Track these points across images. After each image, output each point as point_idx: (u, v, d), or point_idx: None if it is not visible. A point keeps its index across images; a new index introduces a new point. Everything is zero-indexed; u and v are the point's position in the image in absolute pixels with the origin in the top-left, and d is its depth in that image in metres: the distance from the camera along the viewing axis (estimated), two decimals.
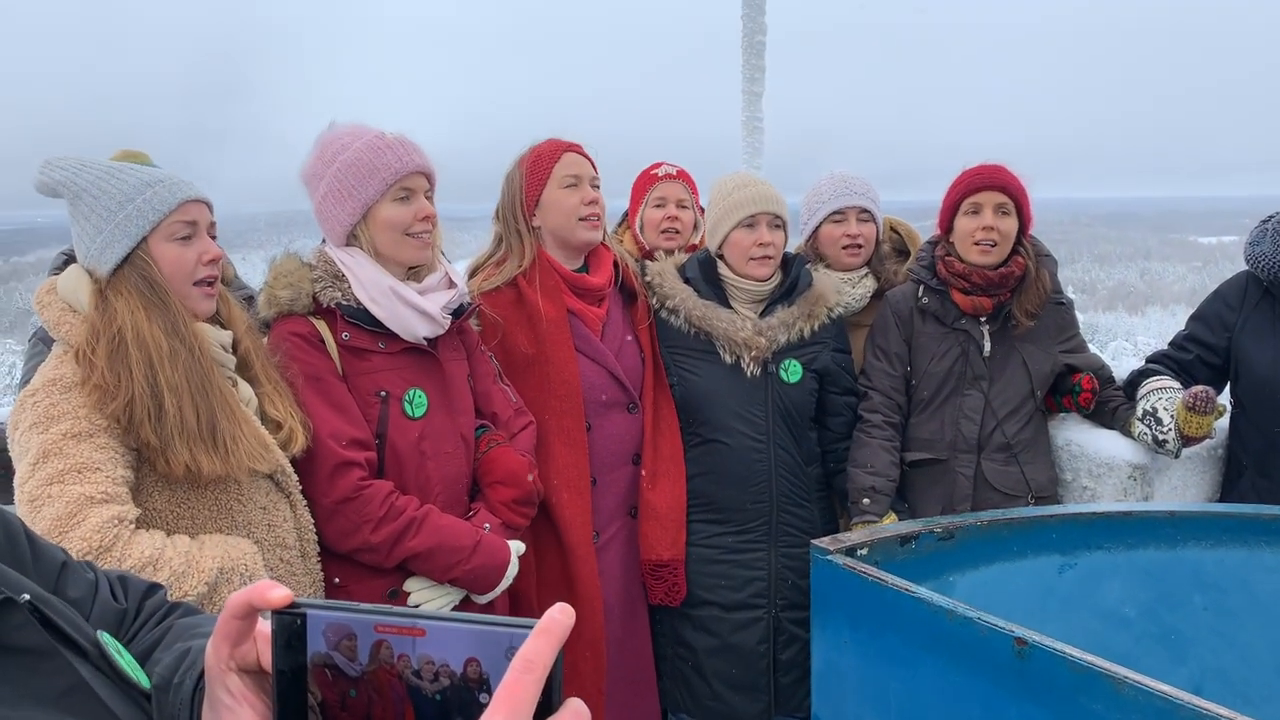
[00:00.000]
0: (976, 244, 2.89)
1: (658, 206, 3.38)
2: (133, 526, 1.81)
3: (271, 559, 2.05)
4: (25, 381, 2.88)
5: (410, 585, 2.35)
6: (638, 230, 3.47)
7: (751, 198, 2.87)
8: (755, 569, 2.91)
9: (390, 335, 2.33)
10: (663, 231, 3.34)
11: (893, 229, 3.43)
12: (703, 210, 3.33)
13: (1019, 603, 2.13)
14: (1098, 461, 2.97)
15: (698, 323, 2.89)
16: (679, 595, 2.88)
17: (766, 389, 2.90)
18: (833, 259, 3.20)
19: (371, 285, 2.29)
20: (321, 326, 2.31)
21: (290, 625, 0.66)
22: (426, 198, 2.36)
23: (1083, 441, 3.03)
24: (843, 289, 3.10)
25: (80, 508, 1.75)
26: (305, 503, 2.17)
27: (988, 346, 2.95)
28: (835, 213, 3.18)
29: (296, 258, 2.38)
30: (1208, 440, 2.89)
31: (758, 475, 2.89)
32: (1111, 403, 3.01)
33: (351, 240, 2.33)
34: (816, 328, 2.93)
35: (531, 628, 0.60)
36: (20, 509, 1.79)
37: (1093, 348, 3.18)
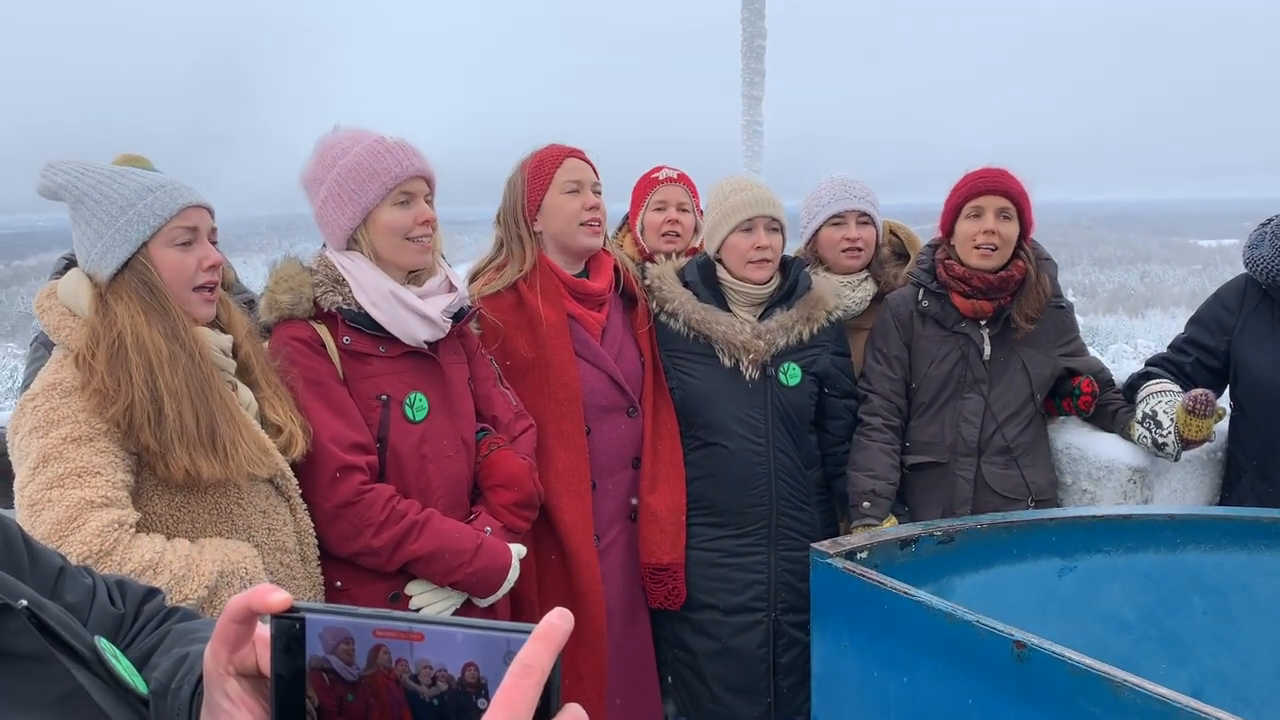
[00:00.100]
0: (977, 248, 2.89)
1: (658, 210, 3.39)
2: (133, 530, 1.81)
3: (271, 563, 2.05)
4: (26, 386, 2.88)
5: (412, 589, 2.35)
6: (638, 234, 3.47)
7: (748, 201, 2.88)
8: (755, 572, 2.91)
9: (391, 339, 2.34)
10: (663, 235, 3.35)
11: (892, 232, 3.43)
12: (703, 214, 3.33)
13: (1019, 606, 2.13)
14: (1097, 465, 2.97)
15: (697, 326, 2.90)
16: (679, 599, 2.88)
17: (766, 392, 2.90)
18: (832, 262, 3.21)
19: (372, 289, 2.29)
20: (322, 331, 2.31)
21: (289, 629, 0.66)
22: (426, 202, 2.36)
23: (1082, 445, 3.03)
24: (842, 292, 3.10)
25: (80, 512, 1.75)
26: (305, 507, 2.17)
27: (987, 350, 2.95)
28: (835, 216, 3.19)
29: (297, 262, 2.39)
30: (1207, 443, 2.89)
31: (757, 478, 2.89)
32: (1111, 406, 3.01)
33: (352, 244, 2.33)
34: (815, 331, 2.93)
35: (530, 632, 0.60)
36: (20, 513, 1.79)
37: (1093, 351, 3.18)
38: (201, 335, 2.00)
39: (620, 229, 3.65)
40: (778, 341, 2.89)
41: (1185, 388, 2.87)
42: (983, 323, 2.95)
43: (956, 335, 2.96)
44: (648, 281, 3.01)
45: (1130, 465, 2.92)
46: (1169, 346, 3.16)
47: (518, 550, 2.44)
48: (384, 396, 2.32)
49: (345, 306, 2.30)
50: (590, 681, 2.71)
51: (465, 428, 2.46)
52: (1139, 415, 2.88)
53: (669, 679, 2.99)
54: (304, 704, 0.66)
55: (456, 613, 2.37)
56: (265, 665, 0.71)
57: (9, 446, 1.90)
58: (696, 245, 3.34)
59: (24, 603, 0.80)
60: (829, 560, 2.02)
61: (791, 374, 2.92)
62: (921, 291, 3.01)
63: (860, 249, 3.19)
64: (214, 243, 2.07)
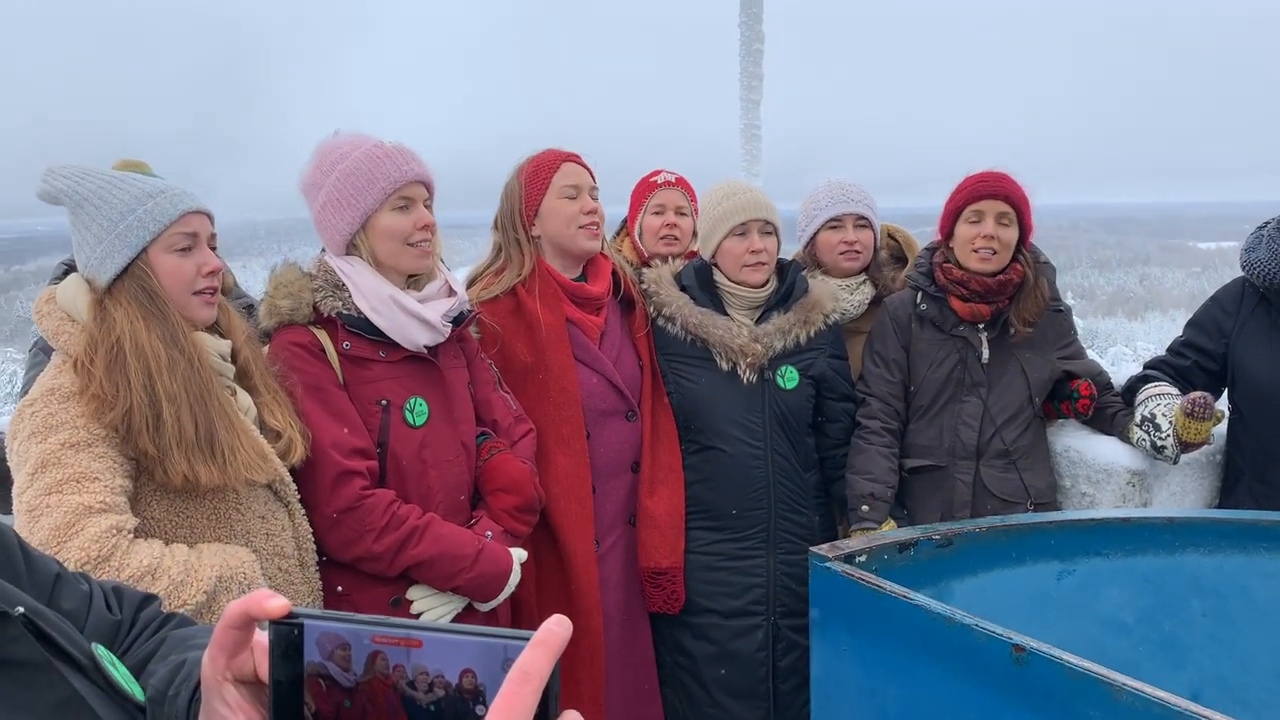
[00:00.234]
0: (976, 251, 2.89)
1: (656, 214, 3.39)
2: (131, 536, 1.81)
3: (270, 568, 2.05)
4: (25, 391, 2.88)
5: (413, 594, 2.35)
6: (636, 238, 3.48)
7: (741, 205, 2.88)
8: (754, 576, 2.90)
9: (391, 344, 2.34)
10: (662, 239, 3.35)
11: (890, 236, 3.44)
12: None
13: (1018, 609, 2.13)
14: (1096, 468, 2.97)
15: (694, 330, 2.90)
16: (678, 603, 2.88)
17: (763, 395, 2.90)
18: (830, 265, 3.21)
19: (372, 294, 2.29)
20: (322, 336, 2.31)
21: (287, 635, 0.66)
22: (426, 206, 2.37)
23: (1081, 448, 3.03)
24: (840, 296, 3.10)
25: (79, 517, 1.75)
26: (304, 512, 2.17)
27: (986, 353, 2.95)
28: (832, 219, 3.19)
29: (296, 267, 2.39)
30: (1206, 446, 2.89)
31: (755, 482, 2.89)
32: (1110, 409, 3.01)
33: (351, 249, 2.34)
34: (813, 334, 2.93)
35: (528, 639, 0.61)
36: (19, 519, 1.79)
37: (1092, 353, 3.18)
38: (200, 340, 2.00)
39: (618, 233, 3.66)
40: (775, 345, 2.89)
41: (1184, 390, 2.87)
42: (981, 326, 2.95)
43: (955, 339, 2.96)
44: (644, 286, 3.01)
45: (1129, 468, 2.92)
46: (1167, 349, 3.16)
47: (518, 555, 2.43)
48: (384, 401, 2.32)
49: (345, 311, 2.30)
50: (587, 687, 2.71)
51: (465, 432, 2.46)
52: (1138, 418, 2.88)
53: (668, 683, 2.98)
54: (302, 710, 0.66)
55: (458, 617, 2.37)
56: (263, 671, 0.71)
57: (7, 452, 1.90)
58: (695, 249, 3.34)
59: (21, 610, 0.80)
60: (828, 564, 2.01)
61: (789, 377, 2.92)
62: (919, 295, 3.01)
63: (858, 252, 3.19)
64: (213, 248, 2.07)
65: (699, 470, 2.92)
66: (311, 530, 2.19)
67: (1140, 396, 2.92)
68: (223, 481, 1.90)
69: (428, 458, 2.36)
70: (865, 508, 2.88)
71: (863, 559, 2.06)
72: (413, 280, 2.41)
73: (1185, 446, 2.81)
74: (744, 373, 2.88)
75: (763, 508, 2.90)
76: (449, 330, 2.41)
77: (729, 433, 2.89)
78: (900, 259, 3.39)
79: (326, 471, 2.20)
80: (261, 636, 0.71)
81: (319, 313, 2.32)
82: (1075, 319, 3.13)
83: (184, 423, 1.86)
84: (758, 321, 2.93)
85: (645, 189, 3.46)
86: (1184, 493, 3.07)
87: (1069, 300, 3.18)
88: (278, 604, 0.67)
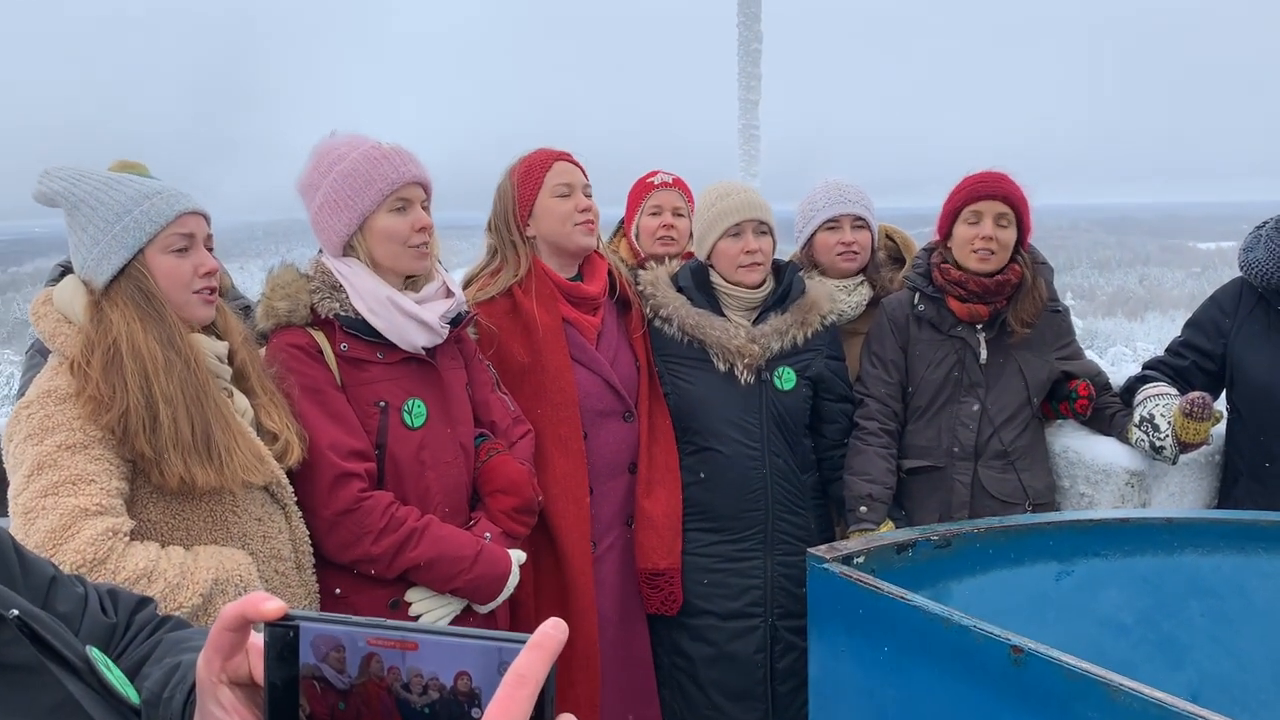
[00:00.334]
0: (974, 252, 2.89)
1: (653, 214, 3.39)
2: (127, 539, 1.81)
3: (266, 570, 2.04)
4: (22, 393, 2.88)
5: (412, 596, 2.35)
6: (633, 238, 3.47)
7: (735, 206, 2.88)
8: (751, 577, 2.90)
9: (389, 345, 2.33)
10: (658, 239, 3.35)
11: (888, 236, 3.44)
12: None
13: (1016, 610, 2.13)
14: (1095, 468, 2.97)
15: (691, 331, 2.89)
16: (675, 604, 2.88)
17: (761, 396, 2.90)
18: (828, 266, 3.21)
19: (369, 296, 2.29)
20: (320, 338, 2.31)
21: (283, 637, 0.66)
22: (423, 208, 2.36)
23: (1080, 448, 3.03)
24: (837, 296, 3.10)
25: (74, 520, 1.75)
26: (301, 514, 2.16)
27: (984, 354, 2.95)
28: (829, 220, 3.19)
29: (293, 269, 2.38)
30: (1205, 446, 2.89)
31: (753, 483, 2.89)
32: (1109, 409, 3.01)
33: (348, 250, 2.33)
34: (810, 335, 2.93)
35: (524, 642, 0.61)
36: (14, 521, 1.79)
37: (1092, 354, 3.18)
38: (197, 342, 2.00)
39: (615, 234, 3.66)
40: (772, 346, 2.89)
41: (1182, 391, 2.87)
42: (979, 327, 2.95)
43: (952, 339, 2.96)
44: (641, 287, 3.01)
45: (1128, 469, 2.92)
46: (1166, 350, 3.16)
47: (517, 556, 2.43)
48: (382, 403, 2.32)
49: (343, 313, 2.29)
50: (583, 689, 2.71)
51: (464, 433, 2.46)
52: (1136, 418, 2.88)
53: (666, 685, 2.98)
54: (298, 713, 0.66)
55: (457, 619, 2.37)
56: (259, 673, 0.71)
57: (3, 454, 1.90)
58: (692, 250, 3.34)
59: (15, 612, 0.79)
60: (826, 565, 2.01)
61: (786, 378, 2.92)
62: (917, 295, 3.01)
63: (855, 253, 3.19)
64: (210, 249, 2.07)
65: (696, 472, 2.92)
66: (309, 533, 2.19)
67: (1139, 397, 2.92)
68: (219, 483, 1.90)
69: (426, 459, 2.36)
70: (863, 509, 2.88)
71: (861, 560, 2.05)
72: (410, 281, 2.40)
73: (1184, 447, 2.82)
74: (741, 374, 2.87)
75: (760, 509, 2.89)
76: (447, 331, 2.41)
77: (726, 434, 2.89)
78: (898, 260, 3.39)
79: (325, 474, 2.20)
80: (257, 639, 0.71)
81: (316, 314, 2.31)
82: (1075, 319, 3.13)
83: (180, 424, 1.86)
84: (755, 322, 2.93)
85: (642, 189, 3.46)
86: (1182, 493, 3.07)
87: (1069, 301, 3.18)
88: (273, 606, 0.67)
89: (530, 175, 2.79)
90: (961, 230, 2.92)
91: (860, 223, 3.20)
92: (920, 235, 3.39)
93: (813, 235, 3.23)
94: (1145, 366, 3.15)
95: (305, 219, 2.39)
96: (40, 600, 0.92)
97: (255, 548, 2.03)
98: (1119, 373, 3.20)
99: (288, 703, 0.66)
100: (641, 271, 3.08)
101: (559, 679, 0.63)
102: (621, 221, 3.63)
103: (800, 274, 3.02)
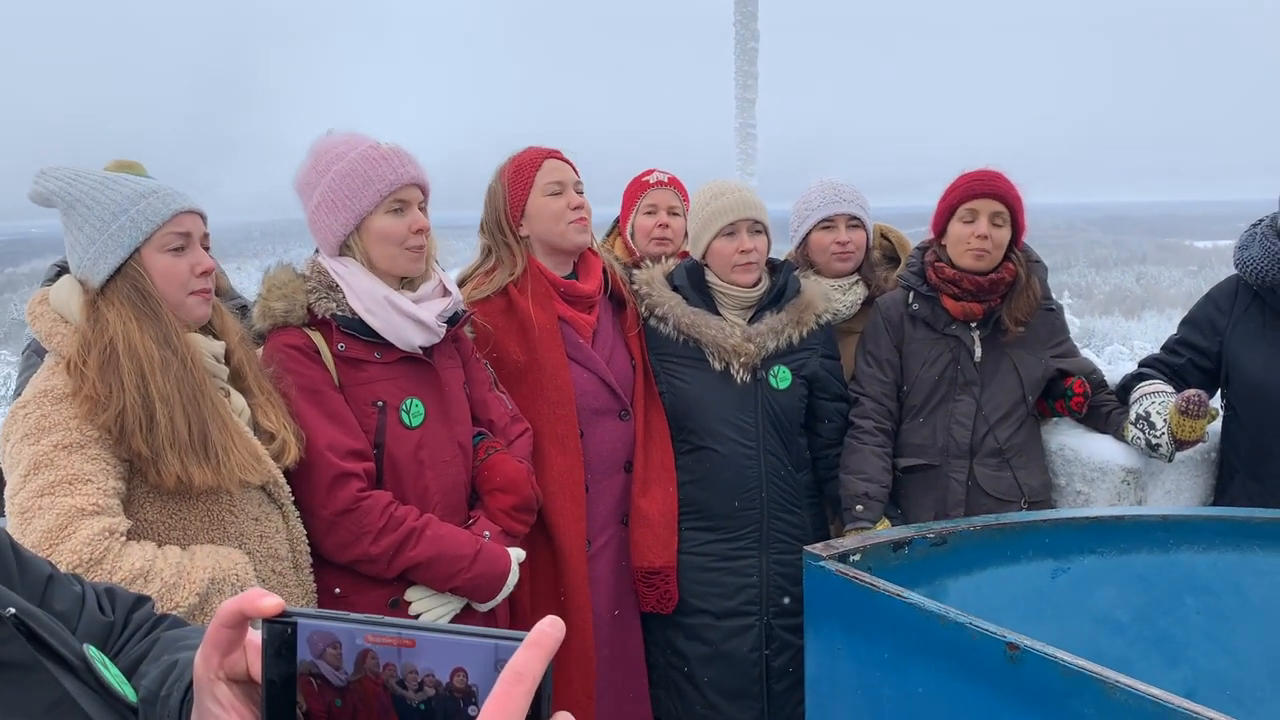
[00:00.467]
0: (969, 250, 2.89)
1: (649, 214, 3.39)
2: (124, 538, 1.81)
3: (264, 570, 2.04)
4: (19, 393, 2.88)
5: (411, 595, 2.35)
6: (628, 237, 3.48)
7: (729, 205, 2.88)
8: (747, 576, 2.90)
9: (386, 345, 2.33)
10: (654, 239, 3.35)
11: (883, 236, 3.44)
12: None
13: (1012, 608, 2.13)
14: (1091, 466, 2.97)
15: (687, 330, 2.90)
16: (671, 603, 2.88)
17: (756, 395, 2.90)
18: (823, 266, 3.21)
19: (366, 295, 2.29)
20: (317, 338, 2.31)
21: (281, 634, 0.66)
22: (420, 209, 2.36)
23: (1076, 446, 3.03)
24: (833, 296, 3.11)
25: (71, 520, 1.75)
26: (298, 514, 2.17)
27: (978, 352, 2.95)
28: (824, 220, 3.19)
29: (290, 269, 2.38)
30: (1201, 444, 2.89)
31: (748, 482, 2.89)
32: (1104, 407, 3.01)
33: (345, 250, 2.33)
34: (805, 334, 2.93)
35: (521, 639, 0.61)
36: (11, 521, 1.79)
37: (1089, 352, 3.18)
38: (194, 341, 2.00)
39: (610, 233, 3.66)
40: (767, 345, 2.89)
41: (1178, 388, 2.87)
42: (973, 325, 2.95)
43: (947, 338, 2.97)
44: (636, 286, 3.01)
45: (1124, 466, 2.93)
46: (1162, 347, 3.16)
47: (517, 554, 2.43)
48: (380, 403, 2.32)
49: (339, 313, 2.29)
50: (578, 686, 2.71)
51: (462, 432, 2.46)
52: (1132, 416, 2.88)
53: (661, 684, 2.98)
54: (295, 710, 0.66)
55: (457, 618, 2.37)
56: (256, 670, 0.71)
57: (1, 454, 1.90)
58: (688, 249, 3.34)
59: (12, 611, 0.80)
60: (822, 563, 2.01)
61: (782, 377, 2.92)
62: (912, 294, 3.01)
63: (850, 252, 3.19)
64: (207, 248, 2.07)
65: (691, 470, 2.92)
66: (307, 533, 2.19)
67: (1134, 395, 2.92)
68: (216, 483, 1.90)
69: (424, 458, 2.36)
70: (859, 507, 2.88)
71: (857, 558, 2.06)
72: (407, 281, 2.40)
73: (1180, 444, 2.82)
74: (737, 373, 2.88)
75: (755, 508, 2.90)
76: (444, 331, 2.41)
77: (721, 433, 2.89)
78: (893, 259, 3.39)
79: (323, 473, 2.20)
80: (255, 636, 0.71)
81: (313, 314, 2.31)
82: (1072, 318, 3.14)
83: (177, 424, 1.86)
84: (750, 321, 2.93)
85: (637, 189, 3.47)
86: (1179, 491, 3.07)
87: (1065, 299, 3.20)
88: (271, 602, 0.67)
89: (520, 175, 2.78)
90: (956, 228, 2.93)
91: (855, 222, 3.20)
92: (916, 234, 3.39)
93: (808, 234, 3.24)
94: (1141, 364, 3.15)
95: (303, 219, 2.39)
96: (37, 599, 0.92)
97: (252, 547, 2.03)
98: (1116, 371, 3.20)
99: (285, 699, 0.66)
100: (636, 270, 3.07)
101: (555, 676, 0.63)
102: (617, 220, 3.64)
103: (795, 273, 3.02)
